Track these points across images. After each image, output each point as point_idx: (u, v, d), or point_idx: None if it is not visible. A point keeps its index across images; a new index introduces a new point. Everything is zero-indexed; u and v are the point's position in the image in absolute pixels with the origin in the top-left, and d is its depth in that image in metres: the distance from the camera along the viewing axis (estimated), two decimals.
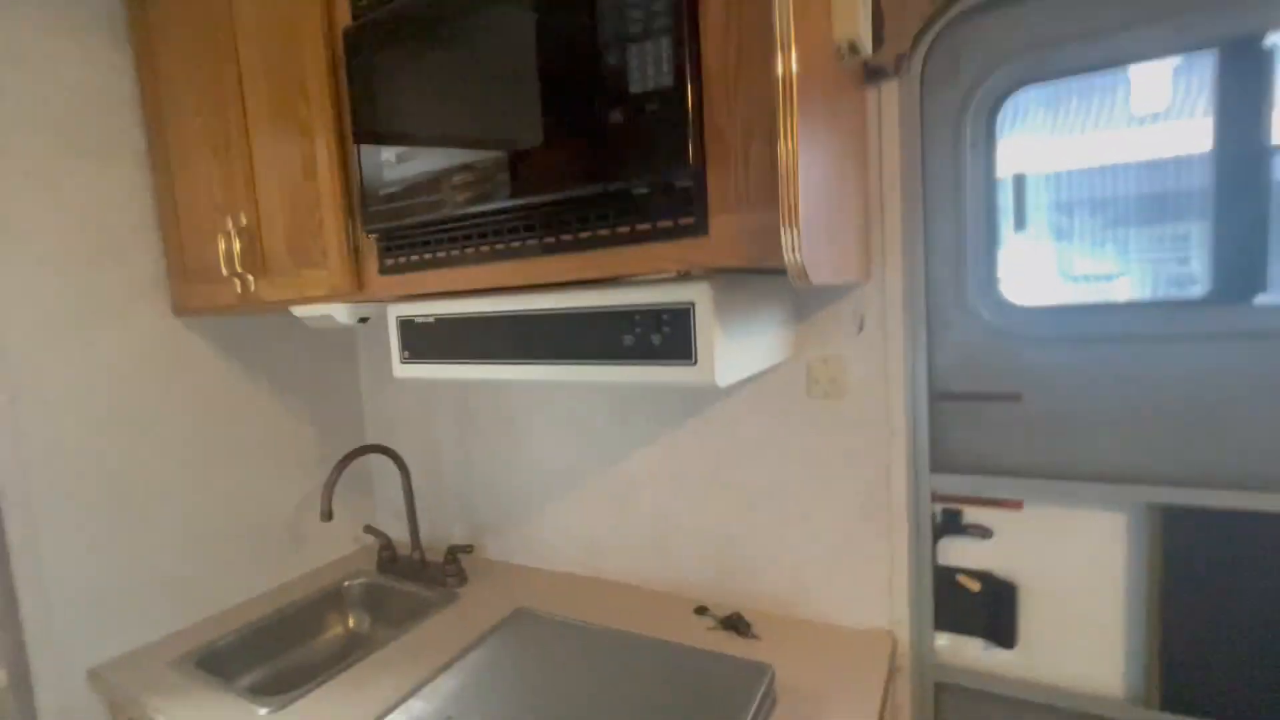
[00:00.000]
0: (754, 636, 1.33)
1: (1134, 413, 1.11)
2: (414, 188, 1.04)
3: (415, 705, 1.10)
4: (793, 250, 0.74)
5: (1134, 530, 1.12)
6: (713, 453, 1.45)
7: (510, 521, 1.81)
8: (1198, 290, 1.06)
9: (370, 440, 2.04)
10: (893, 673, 1.28)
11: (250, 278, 1.34)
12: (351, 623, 1.77)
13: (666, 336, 0.89)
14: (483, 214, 0.99)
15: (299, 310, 1.32)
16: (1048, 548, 1.20)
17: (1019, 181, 1.16)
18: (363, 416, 2.04)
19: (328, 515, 1.57)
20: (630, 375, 0.92)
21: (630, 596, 1.56)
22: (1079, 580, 1.18)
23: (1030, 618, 1.23)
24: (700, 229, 0.82)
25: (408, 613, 1.70)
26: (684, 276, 0.89)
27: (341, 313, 1.29)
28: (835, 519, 1.33)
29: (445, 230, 1.05)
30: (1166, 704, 1.12)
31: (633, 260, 0.88)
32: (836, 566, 1.34)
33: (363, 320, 1.33)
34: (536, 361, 1.00)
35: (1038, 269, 1.18)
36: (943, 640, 1.31)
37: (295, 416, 1.82)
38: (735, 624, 1.36)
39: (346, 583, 1.77)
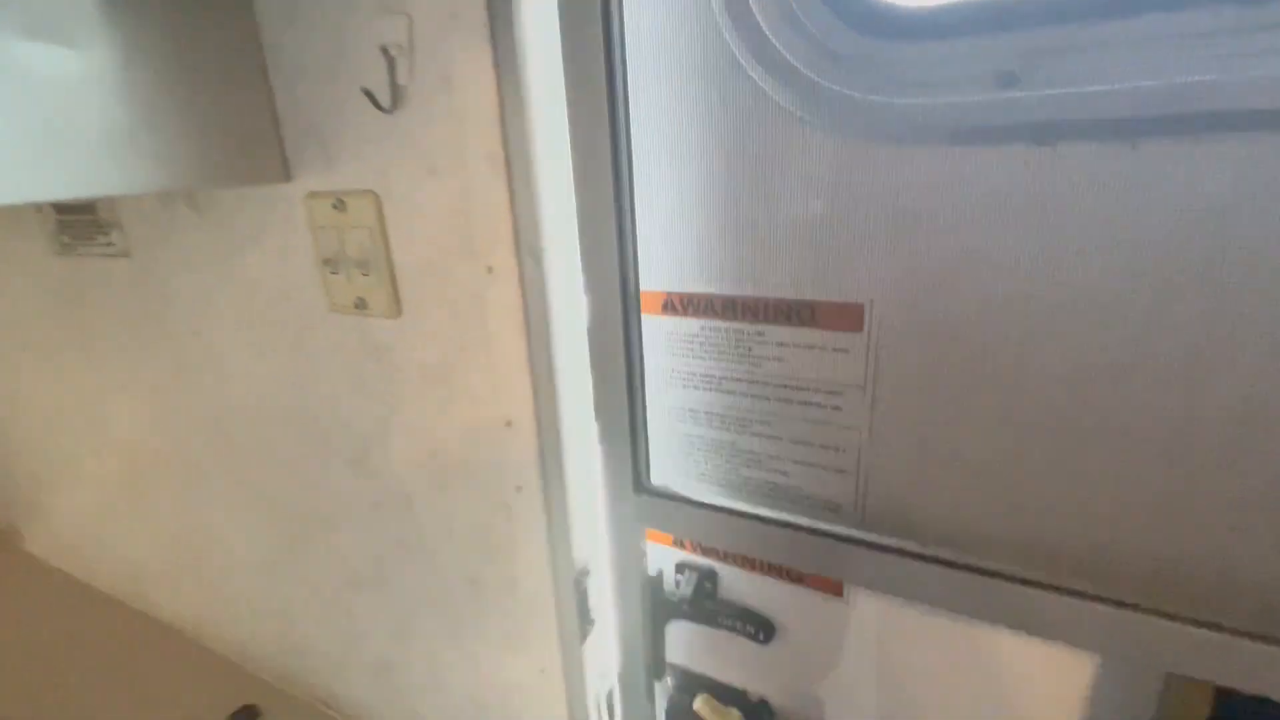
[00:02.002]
0: None
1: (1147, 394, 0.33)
2: None
3: None
4: None
5: (1110, 703, 0.40)
6: (211, 421, 0.64)
7: (57, 503, 1.01)
8: None
9: None
10: None
11: None
12: None
13: None
14: None
15: None
16: (896, 689, 0.49)
17: None
18: None
19: None
20: None
21: (168, 664, 0.83)
22: None
23: None
24: None
25: None
26: None
27: None
28: (432, 582, 0.57)
29: None
30: None
31: None
32: (446, 670, 0.61)
33: None
34: None
35: None
36: None
37: None
38: None
39: None
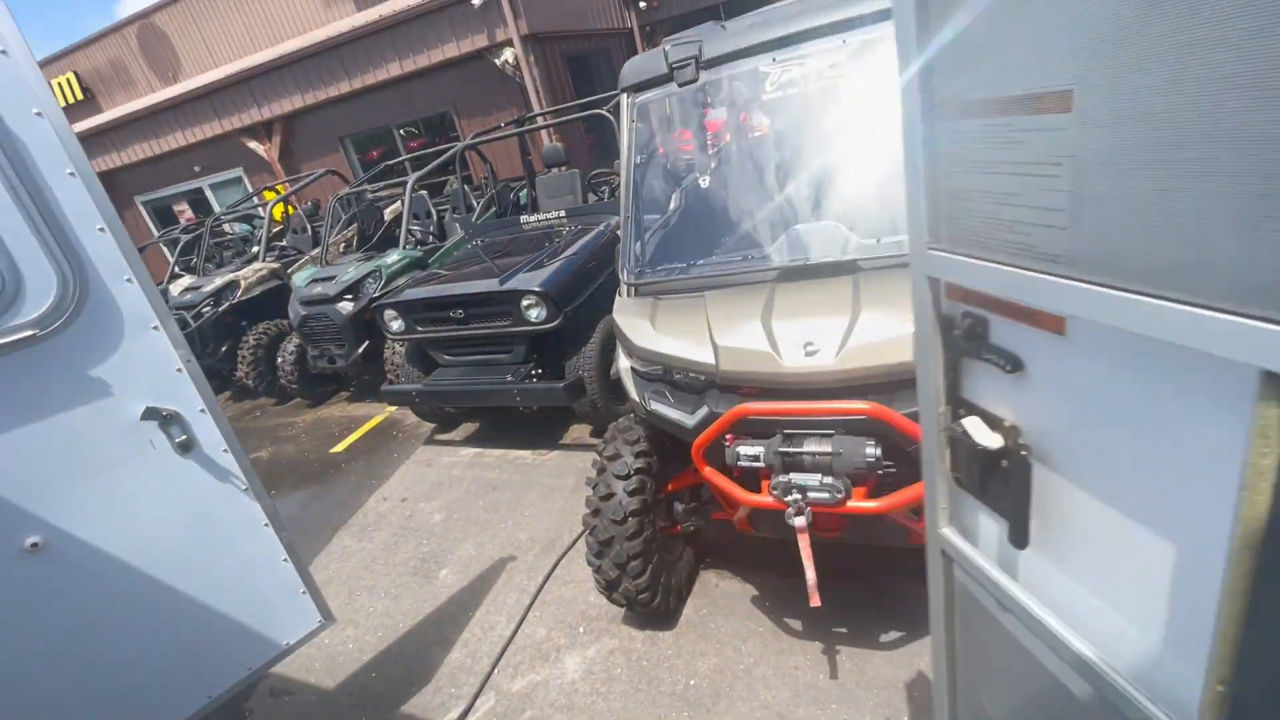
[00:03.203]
0: None
1: None
2: None
3: None
4: None
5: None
6: None
7: None
8: None
9: None
10: None
11: None
12: None
13: None
14: None
15: None
16: (1099, 412, 0.60)
17: None
18: None
19: None
20: None
21: None
22: (1147, 486, 0.57)
23: (1052, 517, 0.68)
24: None
25: None
26: None
27: None
28: None
29: None
30: None
31: None
32: None
33: None
34: None
35: None
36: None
37: None
38: None
39: None
